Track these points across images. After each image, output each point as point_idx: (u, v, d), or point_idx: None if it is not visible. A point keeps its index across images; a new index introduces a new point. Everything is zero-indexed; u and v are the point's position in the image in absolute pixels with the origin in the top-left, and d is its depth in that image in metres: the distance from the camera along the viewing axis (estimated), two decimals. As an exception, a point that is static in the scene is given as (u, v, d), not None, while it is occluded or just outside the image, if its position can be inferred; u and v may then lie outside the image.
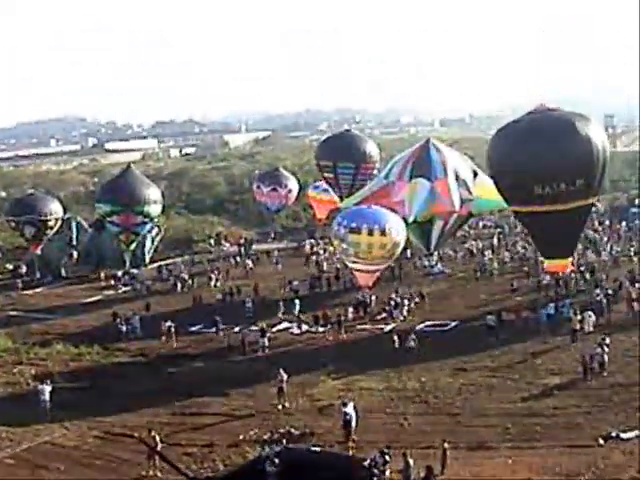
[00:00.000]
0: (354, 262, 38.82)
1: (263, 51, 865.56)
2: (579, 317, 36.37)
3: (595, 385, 29.75)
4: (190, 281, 53.51)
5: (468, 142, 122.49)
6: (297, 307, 42.87)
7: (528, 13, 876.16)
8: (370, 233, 37.16)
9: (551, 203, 31.97)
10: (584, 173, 31.99)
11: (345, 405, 25.77)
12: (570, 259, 37.62)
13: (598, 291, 40.94)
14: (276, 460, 21.05)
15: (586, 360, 30.77)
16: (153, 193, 56.17)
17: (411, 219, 43.98)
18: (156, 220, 58.38)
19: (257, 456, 22.91)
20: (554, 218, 32.50)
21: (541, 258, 46.28)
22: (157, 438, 24.82)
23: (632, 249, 53.68)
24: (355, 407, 26.01)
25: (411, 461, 21.68)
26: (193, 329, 41.47)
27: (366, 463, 21.34)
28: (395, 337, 36.71)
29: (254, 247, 67.19)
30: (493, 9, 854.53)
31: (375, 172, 55.65)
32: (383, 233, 37.35)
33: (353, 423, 25.30)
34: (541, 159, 31.40)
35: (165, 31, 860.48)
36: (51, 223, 57.64)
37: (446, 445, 23.08)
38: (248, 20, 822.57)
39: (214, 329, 40.59)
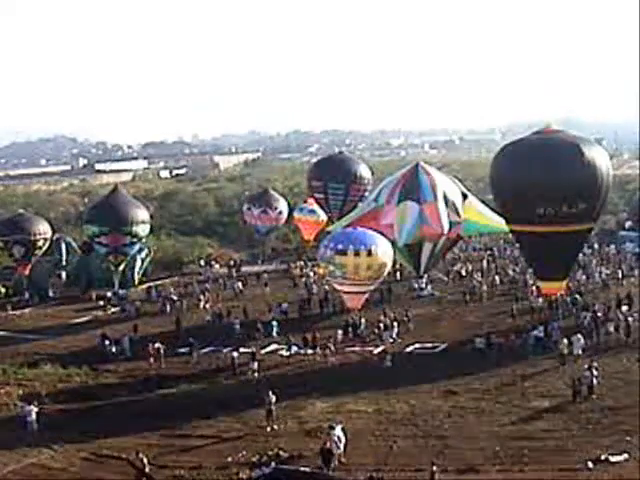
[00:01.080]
0: (341, 284, 38.86)
1: (261, 50, 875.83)
2: (566, 340, 36.38)
3: (584, 408, 29.70)
4: (179, 302, 53.31)
5: (457, 164, 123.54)
6: (275, 329, 43.08)
7: (527, 13, 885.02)
8: (356, 254, 37.29)
9: (551, 224, 31.99)
10: (587, 196, 32.04)
11: (332, 428, 25.60)
12: (565, 282, 37.69)
13: (587, 314, 41.03)
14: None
15: (575, 383, 30.76)
16: (141, 214, 56.55)
17: (401, 242, 44.12)
18: (144, 240, 58.44)
19: (247, 478, 22.78)
20: (553, 239, 32.49)
21: (531, 281, 46.69)
22: (145, 460, 24.75)
23: (621, 272, 53.91)
24: (344, 429, 25.93)
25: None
26: (182, 351, 41.29)
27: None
28: (375, 358, 37.30)
29: (243, 269, 67.08)
30: (491, 10, 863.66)
31: (366, 194, 56.06)
32: (369, 254, 37.48)
33: (341, 446, 25.19)
34: (545, 179, 31.40)
35: (165, 31, 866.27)
36: (40, 243, 57.67)
37: (435, 468, 23.07)
38: (248, 19, 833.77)
39: (193, 352, 40.21)
